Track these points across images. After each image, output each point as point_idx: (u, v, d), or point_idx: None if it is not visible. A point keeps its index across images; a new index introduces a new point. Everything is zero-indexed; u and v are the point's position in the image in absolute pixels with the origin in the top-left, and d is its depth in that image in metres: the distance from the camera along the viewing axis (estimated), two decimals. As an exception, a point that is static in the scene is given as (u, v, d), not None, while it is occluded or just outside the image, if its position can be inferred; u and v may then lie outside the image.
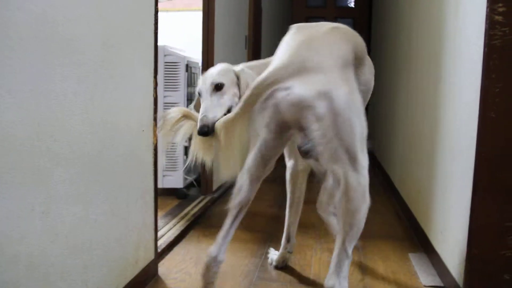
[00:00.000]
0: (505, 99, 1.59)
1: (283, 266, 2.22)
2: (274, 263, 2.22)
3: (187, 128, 1.79)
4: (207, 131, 1.65)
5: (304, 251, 2.42)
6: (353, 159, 1.32)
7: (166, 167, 3.30)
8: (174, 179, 3.33)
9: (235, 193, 1.61)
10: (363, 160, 1.35)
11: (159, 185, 3.21)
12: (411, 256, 2.37)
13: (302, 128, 1.35)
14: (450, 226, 2.00)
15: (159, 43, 2.03)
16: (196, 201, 3.24)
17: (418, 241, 2.59)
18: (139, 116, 1.85)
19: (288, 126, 1.41)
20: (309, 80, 1.31)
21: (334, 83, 1.31)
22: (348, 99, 1.30)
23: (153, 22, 1.93)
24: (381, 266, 2.23)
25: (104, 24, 1.54)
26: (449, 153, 2.07)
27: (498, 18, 1.54)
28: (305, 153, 1.38)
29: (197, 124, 1.70)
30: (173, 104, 3.22)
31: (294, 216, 2.20)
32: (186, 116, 1.80)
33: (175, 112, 1.80)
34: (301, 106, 1.31)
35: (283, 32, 1.57)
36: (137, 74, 1.81)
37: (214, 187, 3.50)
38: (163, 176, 3.31)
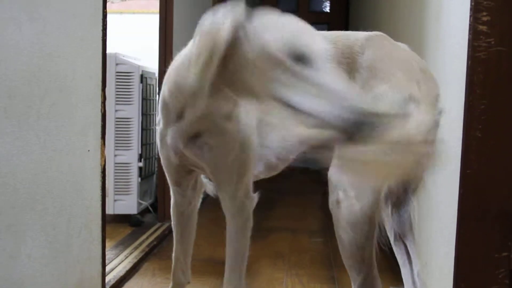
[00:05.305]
0: (492, 117, 1.59)
1: None
2: None
3: None
4: None
5: (273, 285, 2.38)
6: None
7: (118, 191, 3.23)
8: (127, 204, 3.25)
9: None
10: None
11: (110, 211, 3.15)
12: (392, 290, 2.37)
13: None
14: (435, 257, 2.00)
15: (110, 50, 1.99)
16: (152, 229, 3.18)
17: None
18: (84, 135, 1.80)
19: None
20: None
21: None
22: None
23: (100, 27, 1.89)
24: (358, 302, 2.20)
25: (39, 28, 1.49)
26: (431, 177, 2.07)
27: (483, 28, 1.55)
28: None
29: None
30: (126, 119, 3.17)
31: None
32: None
33: None
34: None
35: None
36: (81, 87, 1.76)
37: (173, 212, 3.42)
38: (114, 200, 3.23)
